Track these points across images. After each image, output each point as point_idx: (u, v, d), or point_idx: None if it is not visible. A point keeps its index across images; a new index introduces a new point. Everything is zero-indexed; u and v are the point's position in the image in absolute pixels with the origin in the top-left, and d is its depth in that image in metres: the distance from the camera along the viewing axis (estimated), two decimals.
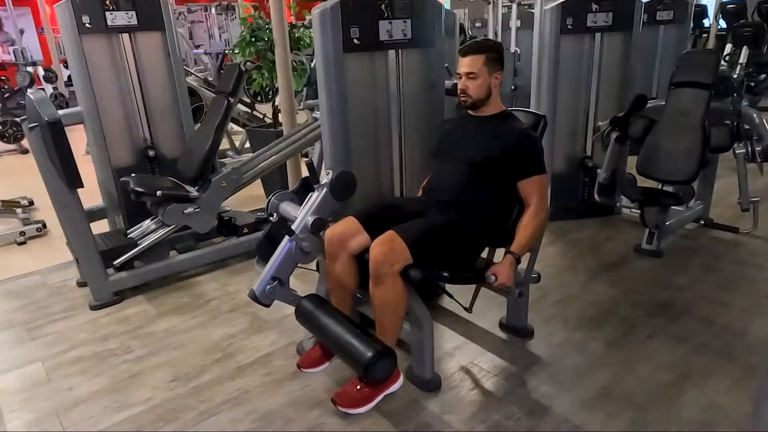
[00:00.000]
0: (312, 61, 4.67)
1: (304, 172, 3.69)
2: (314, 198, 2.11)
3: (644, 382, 2.06)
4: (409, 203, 2.14)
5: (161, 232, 2.98)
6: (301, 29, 4.70)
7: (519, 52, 5.81)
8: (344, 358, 1.93)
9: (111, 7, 3.03)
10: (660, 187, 3.16)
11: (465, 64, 2.02)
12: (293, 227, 2.04)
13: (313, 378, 2.16)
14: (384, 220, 1.99)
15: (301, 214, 2.10)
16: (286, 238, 2.05)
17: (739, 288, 2.76)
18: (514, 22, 5.84)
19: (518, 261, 1.98)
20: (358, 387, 1.93)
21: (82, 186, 2.61)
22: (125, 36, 3.12)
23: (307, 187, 2.22)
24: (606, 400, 1.97)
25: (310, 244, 2.06)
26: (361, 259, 2.03)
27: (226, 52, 7.31)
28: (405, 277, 1.88)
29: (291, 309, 2.64)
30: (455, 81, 2.31)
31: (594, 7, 3.43)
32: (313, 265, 2.29)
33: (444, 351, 2.31)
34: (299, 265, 2.23)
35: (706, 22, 9.41)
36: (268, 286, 2.03)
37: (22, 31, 9.62)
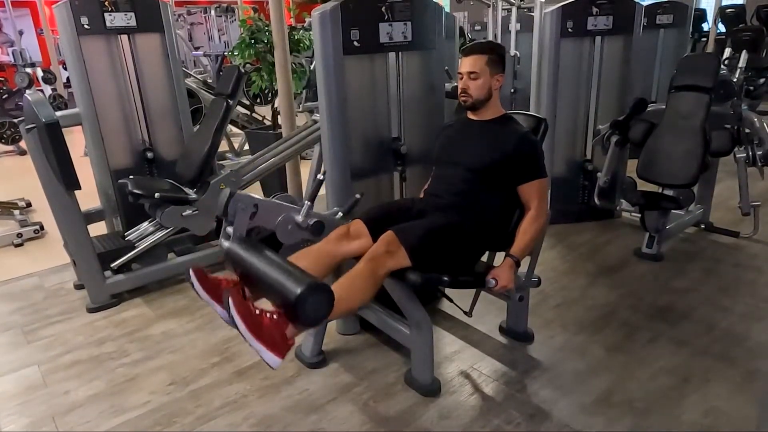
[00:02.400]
0: (311, 64, 4.68)
1: (304, 174, 3.70)
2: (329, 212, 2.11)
3: (645, 387, 2.05)
4: (412, 206, 2.12)
5: (159, 234, 2.97)
6: (301, 31, 4.70)
7: (519, 55, 5.81)
8: (271, 291, 1.58)
9: (110, 9, 3.01)
10: (660, 190, 3.16)
11: (467, 64, 2.02)
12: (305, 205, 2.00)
13: (312, 383, 2.15)
14: (388, 224, 1.97)
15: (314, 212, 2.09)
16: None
17: (740, 292, 2.75)
18: (513, 26, 5.84)
19: (518, 264, 1.97)
20: (260, 312, 1.56)
21: (80, 188, 2.60)
22: (124, 37, 3.11)
23: None
24: (606, 404, 1.96)
25: (305, 224, 2.01)
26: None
27: (226, 54, 7.31)
28: (403, 280, 1.87)
29: None
30: (455, 84, 2.30)
31: (594, 10, 3.43)
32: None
33: (443, 355, 2.30)
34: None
35: (706, 26, 9.44)
36: (243, 203, 1.87)
37: (21, 32, 9.62)
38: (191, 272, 1.68)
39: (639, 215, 3.18)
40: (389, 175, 2.51)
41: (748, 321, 2.47)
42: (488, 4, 6.69)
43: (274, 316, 1.55)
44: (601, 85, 3.60)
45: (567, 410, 1.94)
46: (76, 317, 2.74)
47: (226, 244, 1.87)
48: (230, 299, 1.49)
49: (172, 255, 3.17)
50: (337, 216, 2.21)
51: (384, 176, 2.51)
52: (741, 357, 2.21)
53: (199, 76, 6.56)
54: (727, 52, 4.33)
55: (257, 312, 1.54)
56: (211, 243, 3.27)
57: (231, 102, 3.06)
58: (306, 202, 2.05)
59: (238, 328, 1.48)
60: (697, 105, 3.02)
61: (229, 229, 1.92)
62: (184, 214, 2.87)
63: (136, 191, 2.78)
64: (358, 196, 2.18)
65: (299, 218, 2.03)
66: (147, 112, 3.26)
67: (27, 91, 2.64)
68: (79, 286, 3.02)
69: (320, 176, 2.16)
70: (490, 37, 6.64)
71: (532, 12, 3.98)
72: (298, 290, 1.47)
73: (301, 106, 4.65)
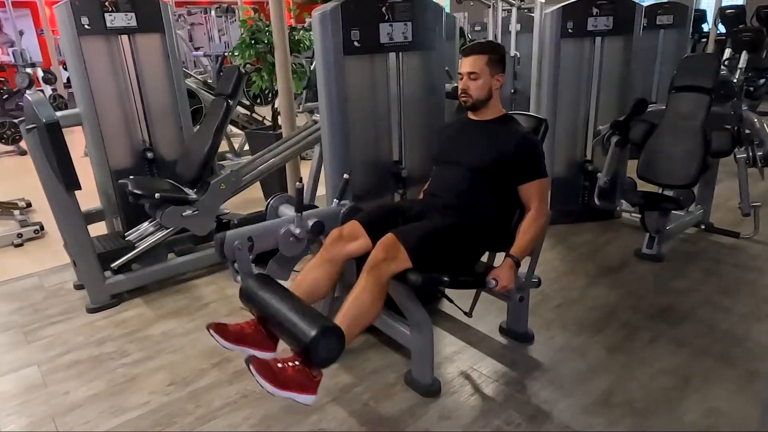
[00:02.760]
0: (312, 64, 4.68)
1: (304, 175, 3.70)
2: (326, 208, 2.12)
3: (645, 387, 2.05)
4: (411, 207, 2.12)
5: (159, 234, 2.97)
6: (301, 32, 4.70)
7: (519, 55, 5.81)
8: (286, 334, 1.66)
9: (110, 9, 3.01)
10: (660, 191, 3.16)
11: (467, 64, 2.02)
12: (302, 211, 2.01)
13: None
14: (386, 226, 1.97)
15: (311, 212, 2.10)
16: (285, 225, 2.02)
17: (740, 293, 2.75)
18: (514, 26, 5.84)
19: (518, 264, 1.97)
20: (283, 364, 1.61)
21: (80, 188, 2.60)
22: (124, 38, 3.11)
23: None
24: (607, 405, 1.96)
25: (303, 232, 2.03)
26: (360, 262, 2.02)
27: (226, 54, 7.31)
28: (403, 280, 1.87)
29: None
30: (455, 84, 2.30)
31: (594, 11, 3.43)
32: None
33: (444, 356, 2.29)
34: (294, 269, 2.23)
35: (706, 27, 9.44)
36: (238, 241, 1.92)
37: (21, 33, 9.62)
38: (211, 331, 1.74)
39: (639, 216, 3.18)
40: (390, 175, 2.51)
41: (749, 321, 2.47)
42: (488, 5, 6.69)
43: (296, 364, 1.61)
44: (601, 86, 3.60)
45: (567, 411, 1.94)
46: (76, 317, 2.74)
47: (238, 279, 1.93)
48: (252, 368, 1.55)
49: (172, 255, 3.17)
50: (334, 203, 2.21)
51: (384, 176, 2.50)
52: (741, 357, 2.21)
53: (199, 77, 6.56)
54: (727, 52, 4.33)
55: (279, 366, 1.60)
56: (211, 243, 3.26)
57: (231, 102, 3.06)
58: (335, 200, 2.06)
59: (265, 389, 1.54)
60: (698, 105, 3.02)
61: (236, 266, 1.95)
62: (184, 214, 2.87)
63: (136, 191, 2.78)
64: (346, 176, 2.19)
65: (296, 230, 2.05)
66: (147, 112, 3.26)
67: (27, 92, 2.65)
68: (79, 287, 3.01)
69: (346, 176, 2.18)
70: (490, 38, 6.64)
71: (533, 12, 3.98)
72: (309, 337, 1.54)
73: (301, 106, 4.64)
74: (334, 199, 2.24)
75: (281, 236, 2.04)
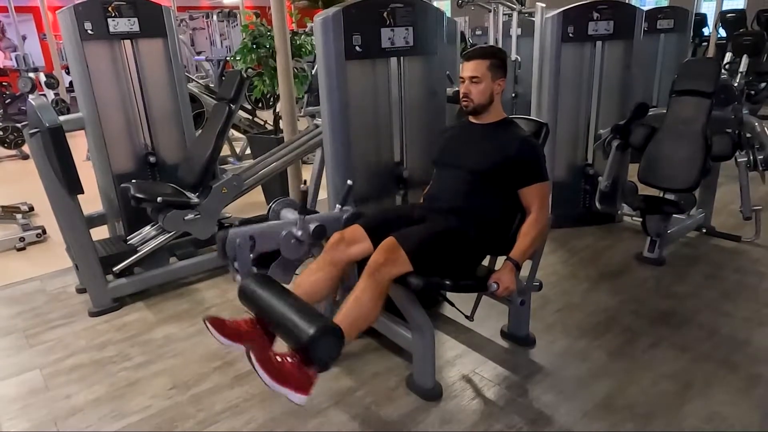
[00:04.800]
0: (313, 68, 4.69)
1: (306, 177, 3.70)
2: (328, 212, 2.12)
3: (646, 392, 2.04)
4: (412, 211, 2.12)
5: (161, 238, 2.97)
6: (303, 36, 4.72)
7: (520, 60, 5.81)
8: (285, 332, 1.64)
9: (113, 14, 3.03)
10: (661, 195, 3.16)
11: (469, 68, 2.03)
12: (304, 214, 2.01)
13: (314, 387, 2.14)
14: (388, 229, 1.97)
15: (313, 216, 2.11)
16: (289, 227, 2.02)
17: (742, 297, 2.75)
18: (514, 30, 5.85)
19: (518, 268, 1.97)
20: (282, 359, 1.60)
21: (83, 192, 2.61)
22: (127, 42, 3.13)
23: None
24: (608, 409, 1.96)
25: (305, 234, 2.03)
26: (362, 266, 2.02)
27: (228, 58, 7.34)
28: (404, 284, 1.87)
29: None
30: (456, 88, 2.31)
31: (595, 15, 3.44)
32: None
33: (445, 359, 2.29)
34: (296, 273, 2.23)
35: (706, 31, 9.46)
36: (240, 240, 1.91)
37: (24, 37, 9.67)
38: (208, 324, 1.74)
39: (640, 219, 3.18)
40: (391, 179, 2.51)
41: (750, 326, 2.47)
42: (489, 9, 6.71)
43: (295, 360, 1.60)
44: (602, 90, 3.60)
45: (569, 415, 1.93)
46: (77, 321, 2.75)
47: (238, 278, 1.92)
48: (252, 356, 1.54)
49: (173, 259, 3.18)
50: (336, 209, 2.22)
51: (386, 180, 2.51)
52: (743, 362, 2.20)
53: (201, 81, 6.58)
54: (728, 56, 4.33)
55: (279, 360, 1.59)
56: (212, 247, 3.27)
57: (233, 107, 3.07)
58: (299, 216, 2.06)
59: (262, 380, 1.53)
60: (698, 109, 3.03)
61: (236, 264, 1.94)
62: (186, 218, 2.88)
63: (138, 195, 2.79)
64: (349, 182, 2.19)
65: (298, 232, 2.05)
66: (149, 116, 3.27)
67: (31, 96, 2.65)
68: (81, 290, 3.02)
69: (349, 182, 2.18)
70: (491, 42, 6.66)
71: (533, 17, 3.99)
72: (308, 335, 1.53)
73: (302, 110, 4.66)
74: (337, 205, 2.24)
75: (283, 238, 2.04)
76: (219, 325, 1.74)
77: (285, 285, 1.86)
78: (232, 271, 2.00)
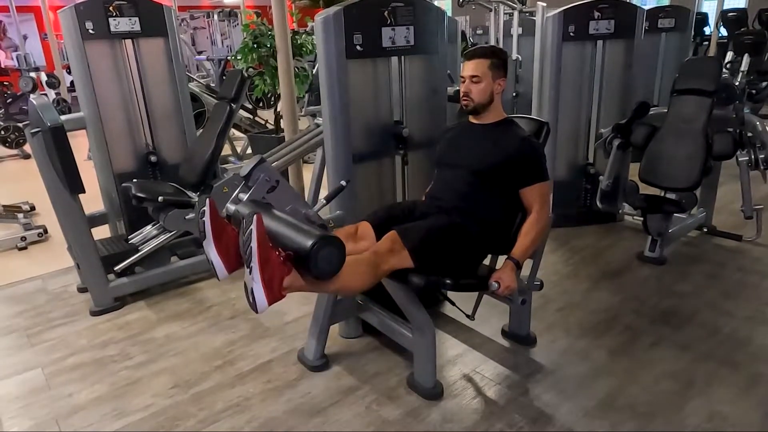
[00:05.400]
0: (314, 67, 4.69)
1: (306, 179, 3.71)
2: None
3: (648, 391, 2.04)
4: (415, 208, 2.12)
5: (162, 237, 2.98)
6: (304, 36, 4.72)
7: (521, 59, 5.81)
8: (285, 243, 1.54)
9: (114, 14, 3.03)
10: (662, 194, 3.16)
11: (469, 68, 2.03)
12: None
13: (314, 386, 2.15)
14: (393, 225, 1.97)
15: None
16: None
17: (743, 296, 2.75)
18: (515, 29, 5.85)
19: (519, 267, 1.97)
20: (273, 247, 1.50)
21: (84, 191, 2.61)
22: (128, 42, 3.13)
23: None
24: (609, 408, 1.96)
25: (314, 216, 1.99)
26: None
27: (229, 58, 7.34)
28: (405, 282, 1.87)
29: (293, 316, 2.66)
30: (457, 88, 2.31)
31: (596, 14, 3.44)
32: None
33: (446, 359, 2.30)
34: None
35: (707, 30, 9.44)
36: (267, 175, 1.79)
37: (25, 37, 9.68)
38: (207, 200, 1.57)
39: (641, 219, 3.18)
40: (392, 178, 2.52)
41: (752, 325, 2.47)
42: (490, 9, 6.70)
43: (283, 257, 1.50)
44: (603, 89, 3.60)
45: (570, 414, 1.94)
46: (79, 320, 2.75)
47: (232, 207, 1.81)
48: (255, 216, 1.42)
49: (175, 258, 3.18)
50: (321, 203, 2.14)
51: (387, 179, 2.51)
52: (744, 361, 2.20)
53: (202, 81, 6.59)
54: (729, 55, 4.32)
55: (271, 245, 1.48)
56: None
57: (234, 106, 3.07)
58: (322, 200, 2.02)
59: (249, 247, 1.42)
60: (699, 108, 3.02)
61: (242, 196, 1.86)
62: (187, 217, 2.88)
63: (139, 195, 2.79)
64: (343, 183, 2.15)
65: (310, 212, 1.98)
66: (151, 115, 3.28)
67: (32, 96, 2.66)
68: (82, 290, 3.02)
69: (343, 183, 2.15)
70: (492, 41, 6.65)
71: (534, 16, 3.99)
72: (313, 239, 1.46)
73: (303, 110, 4.66)
74: (323, 199, 2.17)
75: (291, 208, 1.96)
76: (213, 212, 1.57)
77: None
78: (233, 199, 1.85)
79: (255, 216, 1.43)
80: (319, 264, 1.49)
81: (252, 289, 1.45)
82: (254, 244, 1.42)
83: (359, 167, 2.38)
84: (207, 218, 1.56)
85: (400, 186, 2.53)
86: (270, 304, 1.46)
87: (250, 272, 1.44)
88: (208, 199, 1.58)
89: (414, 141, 2.50)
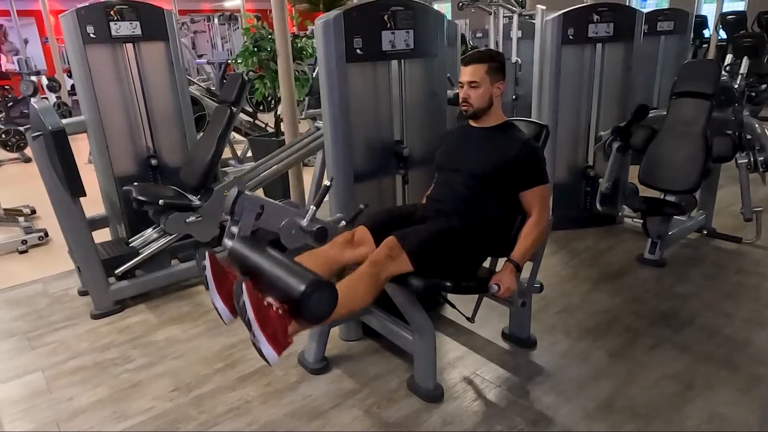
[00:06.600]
0: (314, 71, 4.70)
1: (307, 181, 3.71)
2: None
3: (648, 393, 2.05)
4: (415, 211, 2.13)
5: (163, 241, 2.98)
6: (304, 39, 4.73)
7: (520, 62, 5.83)
8: (277, 287, 1.58)
9: (115, 18, 3.05)
10: (662, 196, 3.16)
11: (467, 73, 2.03)
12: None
13: (315, 389, 2.15)
14: (392, 230, 1.98)
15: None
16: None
17: (743, 298, 2.75)
18: (515, 33, 5.87)
19: (519, 269, 1.98)
20: (268, 304, 1.55)
21: (85, 195, 2.62)
22: (129, 46, 3.14)
23: None
24: (609, 410, 1.96)
25: (309, 227, 1.99)
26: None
27: (229, 61, 7.36)
28: (405, 285, 1.87)
29: None
30: (457, 91, 2.32)
31: (595, 17, 3.45)
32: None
33: (446, 361, 2.30)
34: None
35: (707, 33, 9.46)
36: (250, 203, 1.82)
37: (26, 41, 9.70)
38: (207, 253, 1.66)
39: (641, 221, 3.18)
40: (392, 182, 2.52)
41: (752, 327, 2.47)
42: (490, 12, 6.72)
43: (280, 311, 1.53)
44: (602, 92, 3.61)
45: (570, 416, 1.94)
46: (80, 323, 2.75)
47: (229, 243, 1.85)
48: (243, 285, 1.47)
49: (175, 261, 3.18)
50: (340, 225, 2.20)
51: (386, 182, 2.52)
52: (744, 363, 2.21)
53: (202, 84, 6.60)
54: (729, 58, 4.33)
55: (266, 303, 1.53)
56: (215, 249, 3.27)
57: (234, 109, 3.08)
58: (311, 207, 2.04)
59: (246, 316, 1.46)
60: (699, 111, 3.03)
61: (234, 229, 1.90)
62: (187, 220, 2.89)
63: (140, 198, 2.80)
64: (362, 206, 2.16)
65: (304, 223, 2.02)
66: (151, 119, 3.29)
67: (33, 100, 2.67)
68: (83, 293, 3.03)
69: (326, 183, 2.15)
70: (492, 44, 6.67)
71: (534, 19, 4.00)
72: (303, 286, 1.47)
73: (303, 113, 4.67)
74: (343, 220, 2.20)
75: (286, 223, 1.99)
76: (213, 260, 1.66)
77: None
78: (227, 234, 1.90)
79: (243, 284, 1.47)
80: (313, 312, 1.52)
81: (260, 348, 1.50)
82: (250, 313, 1.46)
83: (359, 186, 2.39)
84: (208, 271, 1.64)
85: (400, 203, 2.55)
86: (280, 354, 1.51)
87: (254, 335, 1.49)
88: (207, 252, 1.65)
89: (414, 160, 2.51)
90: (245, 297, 1.47)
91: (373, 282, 1.80)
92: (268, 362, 1.50)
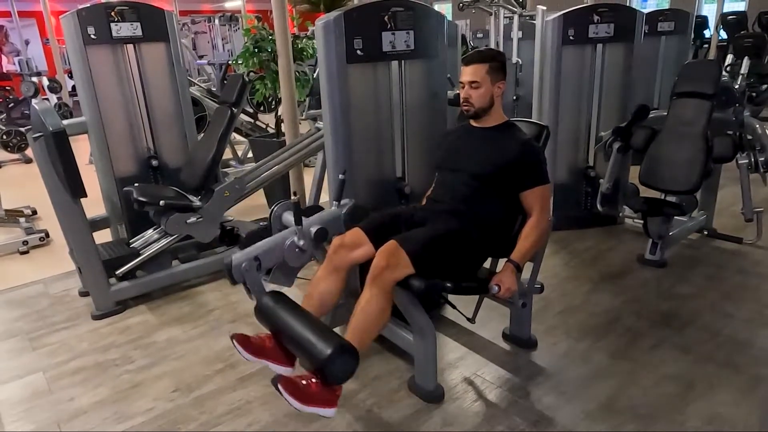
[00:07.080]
0: (315, 72, 4.70)
1: (307, 182, 3.72)
2: (327, 211, 2.12)
3: (648, 393, 2.05)
4: (414, 213, 2.13)
5: (164, 241, 2.98)
6: (304, 40, 4.74)
7: (521, 62, 5.83)
8: (301, 353, 1.72)
9: (116, 19, 3.05)
10: (663, 197, 3.16)
11: (468, 73, 2.03)
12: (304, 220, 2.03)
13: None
14: (389, 231, 1.99)
15: (312, 219, 2.12)
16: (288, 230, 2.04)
17: (743, 298, 2.75)
18: (515, 33, 5.86)
19: (519, 269, 1.98)
20: (306, 381, 1.67)
21: (86, 195, 2.62)
22: (130, 47, 3.14)
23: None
24: (610, 411, 1.96)
25: (307, 243, 2.05)
26: (363, 268, 2.03)
27: (230, 62, 7.36)
28: (406, 287, 1.88)
29: None
30: (457, 91, 2.32)
31: (595, 18, 3.45)
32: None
33: (447, 362, 2.30)
34: (298, 276, 2.24)
35: (707, 33, 9.46)
36: (245, 263, 1.95)
37: (27, 42, 9.72)
38: (234, 341, 1.79)
39: (642, 221, 3.18)
40: (392, 182, 2.52)
41: (753, 327, 2.47)
42: (490, 12, 6.72)
43: (317, 381, 1.67)
44: (602, 92, 3.60)
45: (571, 417, 1.94)
46: (80, 324, 2.76)
47: (253, 297, 1.98)
48: (280, 386, 1.60)
49: (176, 262, 3.18)
50: (333, 207, 2.22)
51: (387, 183, 2.52)
52: (745, 363, 2.20)
53: (203, 85, 6.60)
54: (729, 58, 4.33)
55: (303, 383, 1.66)
56: (215, 250, 3.28)
57: (235, 110, 3.08)
58: (296, 227, 2.08)
59: (292, 405, 1.60)
60: (699, 111, 3.03)
61: (248, 285, 1.99)
62: (188, 221, 2.89)
63: (141, 199, 2.80)
64: (341, 176, 2.20)
65: (300, 242, 2.07)
66: (152, 120, 3.29)
67: (34, 100, 2.67)
68: (84, 293, 3.03)
69: (341, 176, 2.18)
70: (492, 45, 6.67)
71: (534, 20, 4.00)
72: (324, 356, 1.61)
73: (304, 113, 4.67)
74: (334, 201, 2.25)
75: (287, 249, 2.07)
76: (244, 341, 1.79)
77: (293, 289, 1.88)
78: (246, 291, 2.04)
79: (279, 384, 1.60)
80: (338, 375, 1.66)
81: (318, 414, 1.66)
82: (294, 402, 1.60)
83: (359, 166, 2.39)
84: (244, 353, 1.77)
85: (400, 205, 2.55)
86: (334, 407, 1.69)
87: (304, 412, 1.63)
88: (234, 340, 1.78)
89: (415, 160, 2.52)
90: (284, 393, 1.60)
91: (382, 298, 1.83)
92: (328, 417, 1.71)
